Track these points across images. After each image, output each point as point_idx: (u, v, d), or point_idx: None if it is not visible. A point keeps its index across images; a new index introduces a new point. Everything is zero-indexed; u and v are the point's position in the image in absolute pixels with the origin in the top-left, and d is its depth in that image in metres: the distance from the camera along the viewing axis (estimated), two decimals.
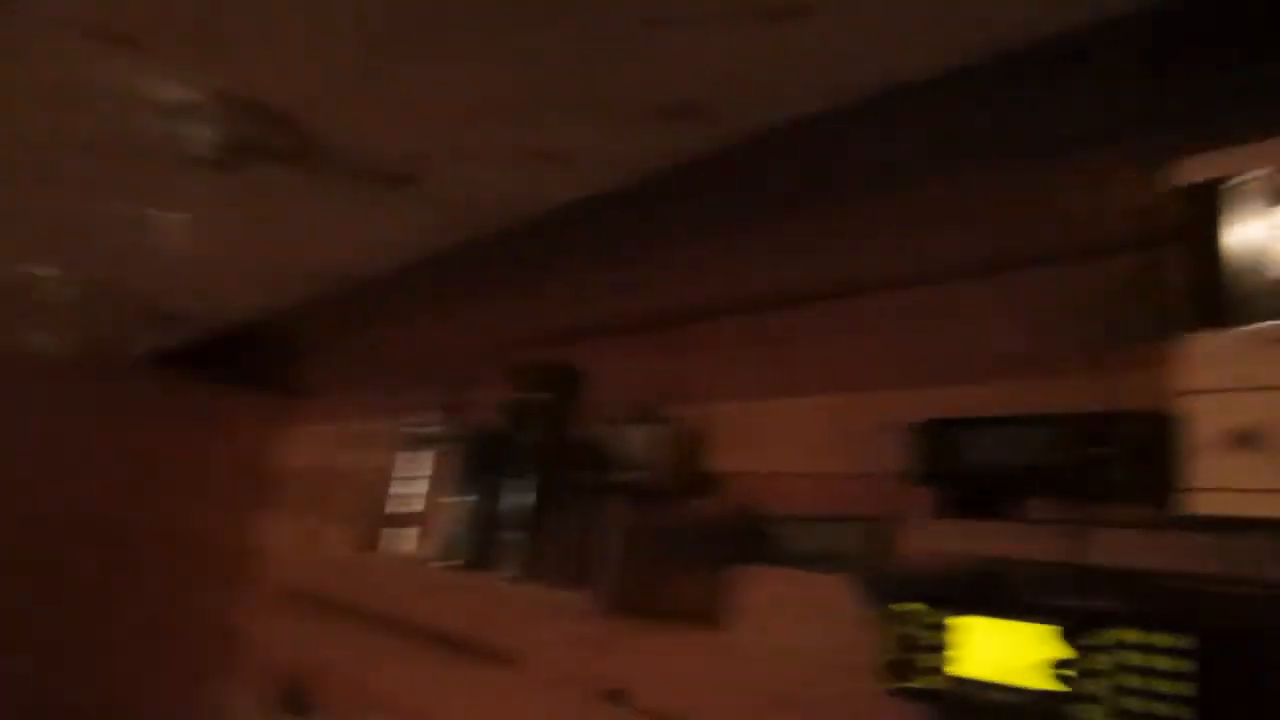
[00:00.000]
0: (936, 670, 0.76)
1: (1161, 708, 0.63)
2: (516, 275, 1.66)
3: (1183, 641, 0.62)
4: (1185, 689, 0.62)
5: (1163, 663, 0.63)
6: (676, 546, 1.28)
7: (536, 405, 1.43)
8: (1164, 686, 0.63)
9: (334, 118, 0.79)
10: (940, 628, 0.76)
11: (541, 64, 0.70)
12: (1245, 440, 0.58)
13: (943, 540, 0.80)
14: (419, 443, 1.59)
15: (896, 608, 0.79)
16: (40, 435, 2.25)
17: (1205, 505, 0.60)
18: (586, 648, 1.51)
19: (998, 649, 0.72)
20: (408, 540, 1.55)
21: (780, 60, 0.68)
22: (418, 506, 1.55)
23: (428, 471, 1.55)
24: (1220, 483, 0.59)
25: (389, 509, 1.61)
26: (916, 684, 0.77)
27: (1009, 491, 0.75)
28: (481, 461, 1.49)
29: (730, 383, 1.40)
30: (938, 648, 0.76)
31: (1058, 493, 0.72)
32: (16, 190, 1.06)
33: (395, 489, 1.61)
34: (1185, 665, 0.62)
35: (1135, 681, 0.64)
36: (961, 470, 0.77)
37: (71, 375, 2.20)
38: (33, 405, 2.23)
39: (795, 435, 1.30)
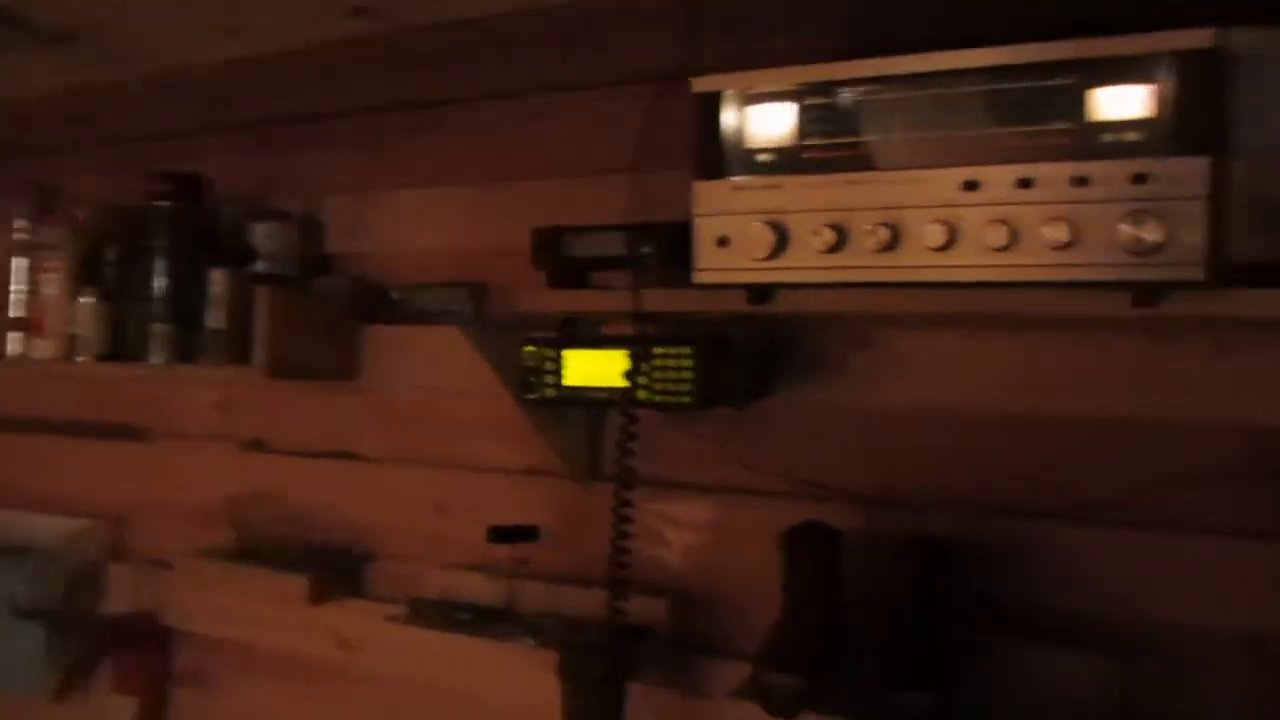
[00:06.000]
0: (554, 385, 1.23)
1: (678, 387, 1.16)
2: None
3: (686, 350, 1.15)
4: (689, 375, 1.15)
5: (676, 363, 1.16)
6: (314, 318, 1.59)
7: (165, 211, 1.59)
8: (679, 375, 1.16)
9: None
10: (556, 358, 1.22)
11: None
12: (722, 243, 1.09)
13: (555, 303, 1.25)
14: (29, 248, 1.63)
15: (525, 347, 1.23)
16: None
17: (703, 278, 1.11)
18: (226, 411, 1.78)
19: (590, 367, 1.21)
20: (33, 342, 1.63)
21: None
22: (40, 309, 1.62)
23: (45, 275, 1.61)
24: (709, 265, 1.10)
25: (10, 314, 1.65)
26: (540, 394, 1.24)
27: (594, 271, 1.22)
28: (103, 262, 1.62)
29: (348, 178, 1.69)
30: (554, 370, 1.22)
31: (625, 269, 1.19)
32: None
33: (12, 295, 1.64)
34: (688, 364, 1.15)
35: (665, 375, 1.16)
36: (565, 258, 1.21)
37: None
38: None
39: (409, 220, 1.66)
